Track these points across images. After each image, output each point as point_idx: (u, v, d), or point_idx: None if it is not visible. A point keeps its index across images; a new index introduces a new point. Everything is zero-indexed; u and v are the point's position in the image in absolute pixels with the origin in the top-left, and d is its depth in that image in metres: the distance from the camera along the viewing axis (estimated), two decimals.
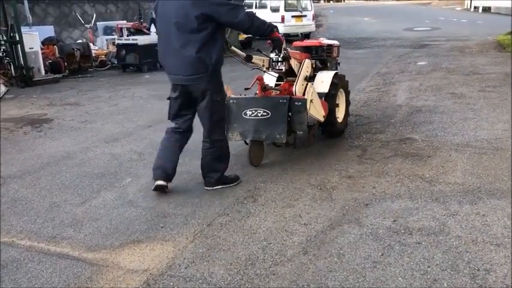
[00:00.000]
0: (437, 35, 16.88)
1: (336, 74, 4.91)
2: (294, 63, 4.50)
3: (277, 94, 4.52)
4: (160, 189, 3.83)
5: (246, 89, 4.60)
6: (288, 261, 2.80)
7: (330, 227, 3.18)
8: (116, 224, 3.40)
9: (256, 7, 18.50)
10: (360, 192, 3.72)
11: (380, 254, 2.81)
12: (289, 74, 4.60)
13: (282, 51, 4.21)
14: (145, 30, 12.60)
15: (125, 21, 14.85)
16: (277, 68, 4.45)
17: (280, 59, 4.33)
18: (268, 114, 4.15)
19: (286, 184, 3.95)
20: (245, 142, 4.48)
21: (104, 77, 10.97)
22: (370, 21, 24.93)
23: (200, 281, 2.65)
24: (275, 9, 17.49)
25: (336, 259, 2.79)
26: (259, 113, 4.19)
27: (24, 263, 2.93)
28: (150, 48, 11.25)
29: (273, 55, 4.36)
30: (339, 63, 5.53)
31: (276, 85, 4.76)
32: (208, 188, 3.93)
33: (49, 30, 13.01)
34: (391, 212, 3.34)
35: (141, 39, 11.20)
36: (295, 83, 4.42)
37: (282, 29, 17.17)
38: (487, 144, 4.65)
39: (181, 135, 3.95)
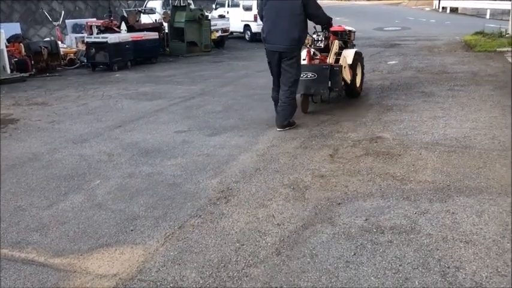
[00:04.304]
0: (407, 35, 17.19)
1: (356, 51, 6.68)
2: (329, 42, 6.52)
3: (319, 62, 6.30)
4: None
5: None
6: (261, 262, 2.77)
7: (303, 227, 3.16)
8: (84, 227, 3.30)
9: (228, 5, 18.43)
10: (332, 191, 3.73)
11: (352, 253, 2.82)
12: (323, 50, 6.47)
13: (328, 34, 6.38)
14: (115, 28, 12.36)
15: (95, 19, 14.56)
16: (317, 45, 6.44)
17: (320, 39, 6.38)
18: (315, 76, 5.94)
19: (259, 184, 3.93)
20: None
21: (73, 76, 10.71)
22: (342, 20, 25.08)
23: (171, 285, 2.59)
24: (248, 8, 17.42)
25: (308, 259, 2.78)
26: (308, 75, 5.93)
27: None
28: (121, 46, 11.10)
29: (314, 36, 6.42)
30: (354, 45, 7.24)
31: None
32: (280, 130, 5.40)
33: (15, 28, 12.63)
34: (363, 211, 3.35)
35: (111, 37, 10.99)
36: (328, 56, 6.33)
37: (254, 27, 17.15)
38: (456, 142, 4.74)
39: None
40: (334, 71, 5.99)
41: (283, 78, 5.45)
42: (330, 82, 5.97)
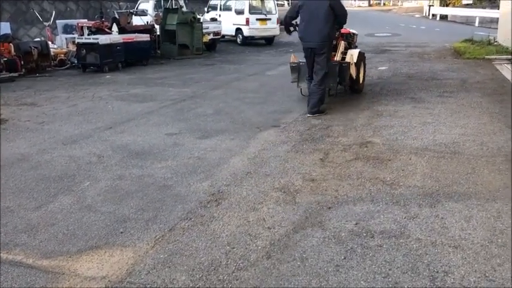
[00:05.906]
0: (397, 41, 17.33)
1: (359, 51, 7.33)
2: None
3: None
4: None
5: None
6: (251, 265, 2.77)
7: (293, 231, 3.17)
8: (73, 229, 3.28)
9: (220, 9, 18.43)
10: (322, 195, 3.74)
11: (342, 257, 2.83)
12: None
13: (339, 34, 7.03)
14: (106, 30, 12.30)
15: (86, 20, 14.48)
16: None
17: None
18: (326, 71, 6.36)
19: (250, 187, 3.93)
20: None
21: (63, 76, 10.62)
22: None
23: None
24: (240, 12, 17.44)
25: (299, 263, 2.78)
26: None
27: None
28: (112, 47, 11.04)
29: None
30: (356, 46, 7.94)
31: None
32: (310, 115, 6.21)
33: (5, 27, 12.50)
34: (353, 215, 3.37)
35: (102, 39, 10.91)
36: (336, 55, 6.98)
37: (246, 31, 17.18)
38: (445, 148, 4.78)
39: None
40: (343, 67, 6.70)
41: (315, 70, 6.28)
42: (338, 77, 6.67)
